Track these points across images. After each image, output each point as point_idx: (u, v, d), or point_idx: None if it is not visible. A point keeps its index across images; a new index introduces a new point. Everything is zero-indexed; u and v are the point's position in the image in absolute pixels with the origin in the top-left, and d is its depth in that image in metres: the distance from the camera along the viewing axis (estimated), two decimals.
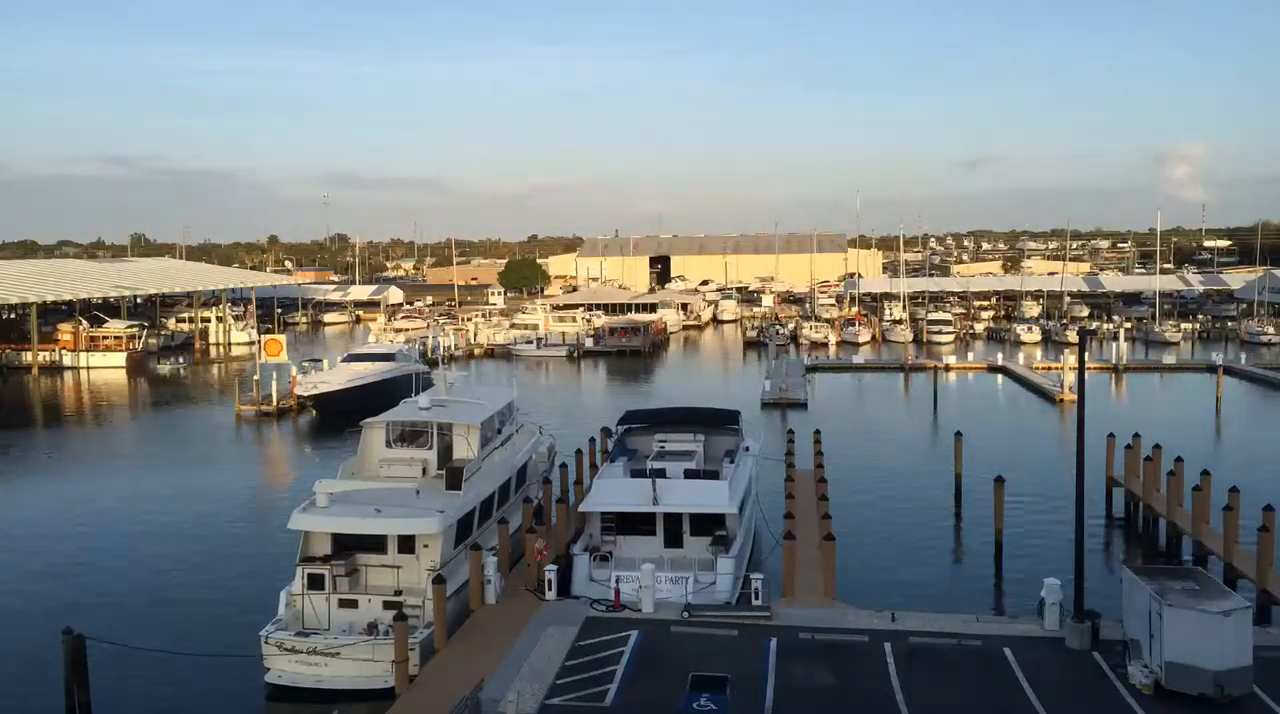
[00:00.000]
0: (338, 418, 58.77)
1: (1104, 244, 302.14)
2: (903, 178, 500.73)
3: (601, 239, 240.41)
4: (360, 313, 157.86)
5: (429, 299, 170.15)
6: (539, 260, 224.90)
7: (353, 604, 26.41)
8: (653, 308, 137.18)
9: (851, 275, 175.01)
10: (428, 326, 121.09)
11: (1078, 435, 25.62)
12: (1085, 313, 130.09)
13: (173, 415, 71.77)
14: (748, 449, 37.01)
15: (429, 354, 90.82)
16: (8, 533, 41.09)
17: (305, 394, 65.62)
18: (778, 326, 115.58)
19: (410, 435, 33.78)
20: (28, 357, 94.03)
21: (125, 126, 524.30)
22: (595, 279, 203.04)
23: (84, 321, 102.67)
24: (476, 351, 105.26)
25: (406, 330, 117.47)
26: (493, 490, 32.15)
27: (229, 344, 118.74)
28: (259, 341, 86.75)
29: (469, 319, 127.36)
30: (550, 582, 28.18)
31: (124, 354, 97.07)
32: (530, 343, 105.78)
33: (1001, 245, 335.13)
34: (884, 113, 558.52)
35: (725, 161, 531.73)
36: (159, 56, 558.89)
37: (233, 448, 59.82)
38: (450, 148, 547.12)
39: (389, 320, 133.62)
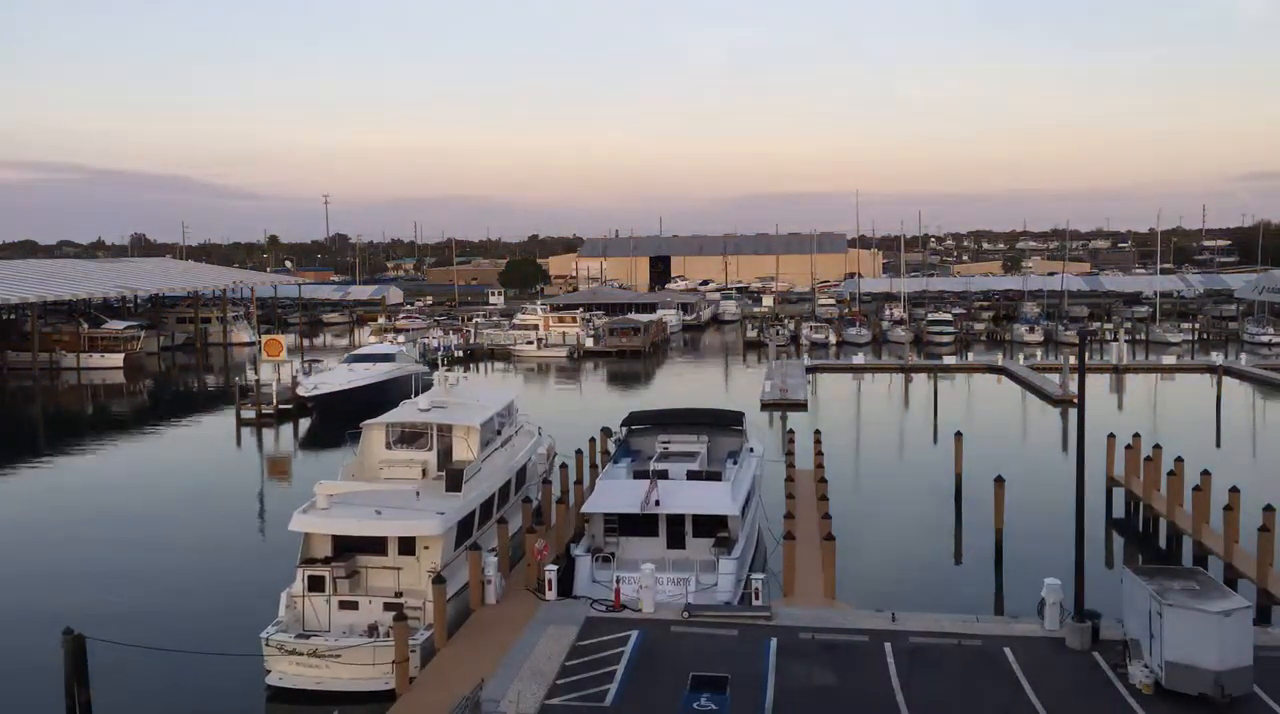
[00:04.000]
0: (338, 419, 58.77)
1: (1104, 244, 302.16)
2: (903, 178, 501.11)
3: (601, 239, 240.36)
4: (360, 313, 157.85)
5: (429, 299, 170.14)
6: (539, 260, 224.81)
7: (353, 606, 26.42)
8: (653, 308, 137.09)
9: (851, 275, 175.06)
10: (428, 327, 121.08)
11: (1078, 435, 25.64)
12: (1085, 313, 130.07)
13: (172, 416, 71.78)
14: (751, 450, 37.02)
15: (428, 355, 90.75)
16: (8, 533, 41.16)
17: (306, 395, 65.63)
18: (779, 327, 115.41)
19: (410, 437, 33.73)
20: (27, 357, 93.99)
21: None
22: (595, 279, 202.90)
23: (84, 322, 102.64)
24: (476, 352, 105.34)
25: (407, 330, 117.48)
26: (493, 492, 32.15)
27: (229, 344, 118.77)
28: (259, 342, 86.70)
29: (469, 319, 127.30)
30: (550, 582, 28.18)
31: (123, 355, 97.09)
32: (530, 343, 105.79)
33: (1001, 245, 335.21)
34: (885, 112, 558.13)
35: (726, 160, 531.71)
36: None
37: (232, 449, 59.85)
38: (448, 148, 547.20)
39: (389, 321, 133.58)
